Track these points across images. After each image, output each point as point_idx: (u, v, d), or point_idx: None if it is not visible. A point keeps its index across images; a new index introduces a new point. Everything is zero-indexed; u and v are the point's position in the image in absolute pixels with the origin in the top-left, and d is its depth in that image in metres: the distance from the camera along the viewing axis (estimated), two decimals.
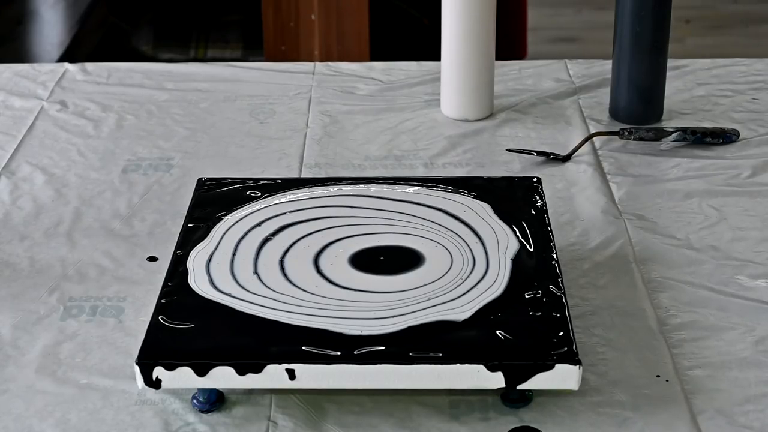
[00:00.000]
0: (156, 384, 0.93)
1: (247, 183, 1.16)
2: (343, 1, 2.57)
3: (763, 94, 1.52)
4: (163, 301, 0.99)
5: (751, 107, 1.48)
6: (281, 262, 1.04)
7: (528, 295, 0.99)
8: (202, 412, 0.96)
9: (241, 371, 0.92)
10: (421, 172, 1.34)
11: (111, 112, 1.50)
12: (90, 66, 1.63)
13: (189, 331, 0.95)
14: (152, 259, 1.18)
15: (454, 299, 0.98)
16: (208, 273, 1.02)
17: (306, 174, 1.34)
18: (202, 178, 1.18)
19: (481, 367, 0.91)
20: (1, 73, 1.61)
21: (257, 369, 0.92)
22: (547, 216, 1.10)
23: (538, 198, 1.13)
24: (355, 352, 0.92)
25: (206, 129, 1.46)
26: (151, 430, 0.94)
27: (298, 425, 0.95)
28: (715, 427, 0.94)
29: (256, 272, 1.02)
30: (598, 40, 3.49)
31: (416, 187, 1.15)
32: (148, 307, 1.06)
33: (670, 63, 1.47)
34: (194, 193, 1.15)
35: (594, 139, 1.40)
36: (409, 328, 0.95)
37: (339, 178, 1.18)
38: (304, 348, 0.93)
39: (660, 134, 1.38)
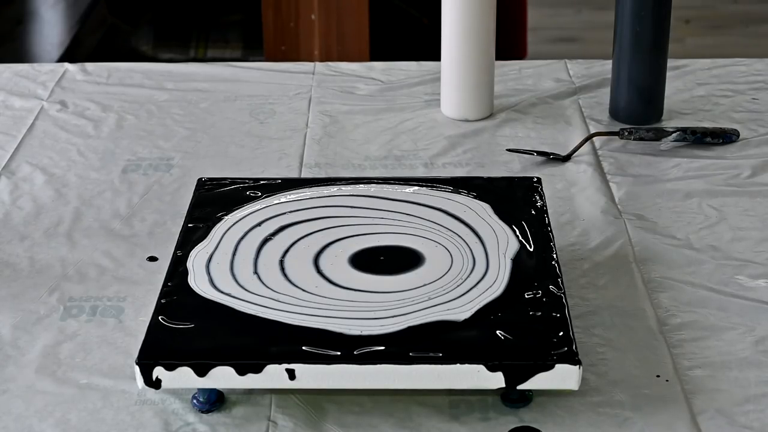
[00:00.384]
0: (156, 384, 0.93)
1: (247, 183, 1.16)
2: (343, 1, 2.57)
3: (763, 94, 1.52)
4: (163, 301, 0.99)
5: (751, 107, 1.48)
6: (281, 262, 1.04)
7: (528, 295, 0.99)
8: (202, 412, 0.96)
9: (241, 371, 0.92)
10: (421, 172, 1.34)
11: (111, 112, 1.50)
12: (90, 66, 1.63)
13: (189, 331, 0.95)
14: (152, 259, 1.18)
15: (454, 299, 0.98)
16: (208, 273, 1.02)
17: (306, 174, 1.34)
18: (202, 178, 1.18)
19: (481, 367, 0.91)
20: (1, 73, 1.61)
21: (257, 369, 0.92)
22: (547, 216, 1.10)
23: (538, 198, 1.13)
24: (355, 352, 0.92)
25: (206, 129, 1.46)
26: (151, 430, 0.94)
27: (298, 425, 0.95)
28: (715, 427, 0.94)
29: (256, 272, 1.02)
30: (598, 40, 3.49)
31: (416, 187, 1.15)
32: (148, 307, 1.06)
33: (670, 63, 1.47)
34: (194, 193, 1.15)
35: (594, 139, 1.40)
36: (409, 328, 0.95)
37: (339, 178, 1.18)
38: (304, 348, 0.93)
39: (660, 134, 1.38)
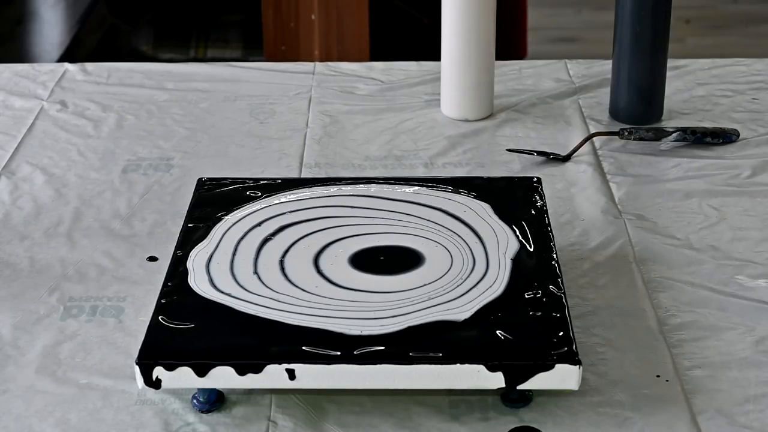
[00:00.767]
0: (156, 384, 0.93)
1: (247, 183, 1.16)
2: (343, 1, 2.57)
3: (763, 94, 1.52)
4: (163, 301, 0.99)
5: (751, 107, 1.48)
6: (281, 262, 1.04)
7: (528, 295, 0.99)
8: (202, 412, 0.96)
9: (241, 371, 0.92)
10: (421, 172, 1.34)
11: (111, 112, 1.50)
12: (90, 66, 1.63)
13: (189, 331, 0.95)
14: (152, 259, 1.18)
15: (454, 299, 0.98)
16: (208, 273, 1.02)
17: (306, 174, 1.34)
18: (202, 178, 1.18)
19: (481, 367, 0.91)
20: (1, 73, 1.61)
21: (257, 369, 0.92)
22: (547, 216, 1.10)
23: (538, 198, 1.13)
24: (355, 352, 0.92)
25: (206, 129, 1.46)
26: (151, 430, 0.94)
27: (298, 425, 0.95)
28: (715, 427, 0.94)
29: (256, 272, 1.02)
30: (598, 40, 3.49)
31: (416, 187, 1.15)
32: (148, 307, 1.06)
33: (670, 63, 1.47)
34: (194, 193, 1.15)
35: (594, 139, 1.40)
36: (409, 328, 0.95)
37: (339, 178, 1.18)
38: (304, 348, 0.93)
39: (660, 134, 1.38)
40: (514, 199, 1.13)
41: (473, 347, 0.93)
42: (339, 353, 0.92)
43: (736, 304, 1.09)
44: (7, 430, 0.95)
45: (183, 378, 0.92)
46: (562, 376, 0.91)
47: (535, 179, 1.16)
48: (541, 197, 1.13)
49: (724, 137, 1.39)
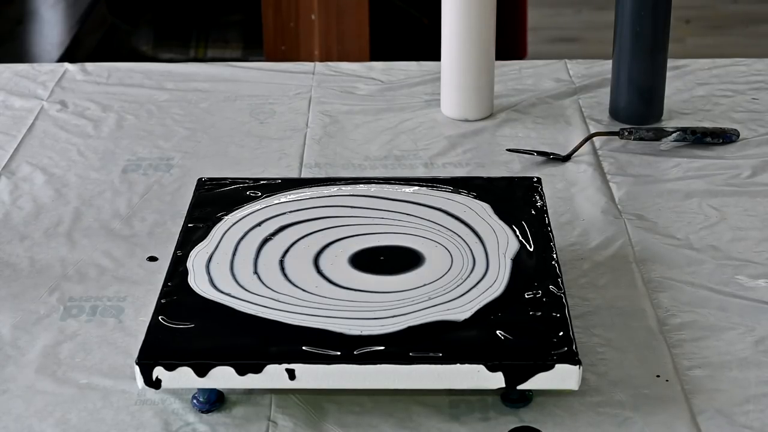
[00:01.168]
0: (156, 384, 0.93)
1: (247, 183, 1.16)
2: (343, 1, 2.57)
3: (763, 94, 1.52)
4: (163, 301, 0.99)
5: (751, 107, 1.48)
6: (281, 262, 1.04)
7: (528, 295, 0.99)
8: (202, 412, 0.96)
9: (241, 371, 0.92)
10: (421, 172, 1.34)
11: (111, 112, 1.50)
12: (90, 66, 1.63)
13: (189, 331, 0.95)
14: (152, 259, 1.18)
15: (454, 299, 0.98)
16: (208, 273, 1.02)
17: (306, 174, 1.34)
18: (202, 178, 1.18)
19: (481, 367, 0.91)
20: (1, 73, 1.61)
21: (257, 369, 0.92)
22: (547, 216, 1.10)
23: (538, 198, 1.13)
24: (355, 352, 0.92)
25: (206, 129, 1.46)
26: (151, 430, 0.94)
27: (298, 425, 0.95)
28: (715, 427, 0.94)
29: (256, 272, 1.02)
30: (598, 40, 3.49)
31: (416, 187, 1.15)
32: (148, 307, 1.06)
33: (670, 63, 1.47)
34: (194, 193, 1.15)
35: (594, 139, 1.40)
36: (409, 328, 0.95)
37: (339, 178, 1.18)
38: (304, 348, 0.93)
39: (660, 134, 1.38)
40: (514, 199, 1.13)
41: (473, 347, 0.93)
42: (339, 353, 0.92)
43: (736, 304, 1.09)
44: (7, 430, 0.95)
45: (183, 378, 0.92)
46: (562, 376, 0.91)
47: (535, 179, 1.16)
48: (541, 197, 1.13)
49: (724, 137, 1.39)
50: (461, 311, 0.97)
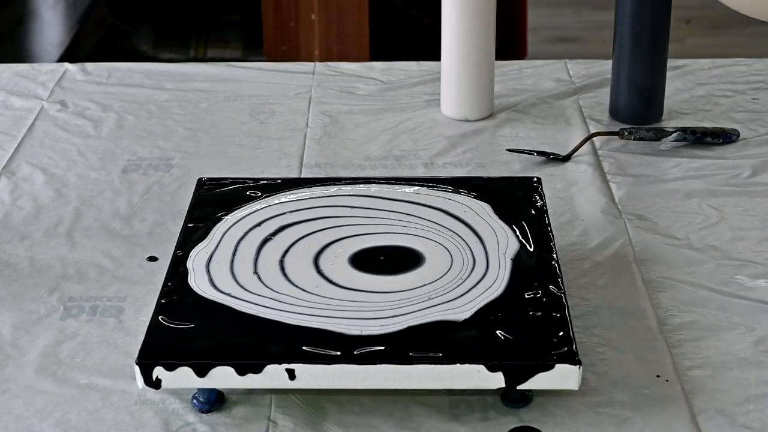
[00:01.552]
0: (156, 384, 0.93)
1: (247, 183, 1.16)
2: (343, 1, 2.57)
3: (763, 94, 1.52)
4: (163, 301, 0.99)
5: (751, 107, 1.48)
6: (281, 262, 1.04)
7: (528, 295, 0.99)
8: (202, 412, 0.96)
9: (241, 371, 0.92)
10: (421, 172, 1.34)
11: (111, 112, 1.50)
12: (90, 66, 1.63)
13: (189, 331, 0.95)
14: (152, 259, 1.18)
15: (454, 299, 0.98)
16: (208, 273, 1.02)
17: (306, 174, 1.34)
18: (202, 178, 1.18)
19: (481, 367, 0.91)
20: (1, 73, 1.61)
21: (257, 369, 0.92)
22: (547, 216, 1.10)
23: (538, 198, 1.13)
24: (355, 352, 0.92)
25: (206, 129, 1.46)
26: (151, 430, 0.94)
27: (298, 425, 0.95)
28: (715, 427, 0.94)
29: (256, 272, 1.02)
30: (598, 40, 3.49)
31: (416, 187, 1.15)
32: (148, 307, 1.06)
33: (670, 63, 1.47)
34: (194, 193, 1.15)
35: (594, 139, 1.40)
36: (409, 328, 0.95)
37: (339, 178, 1.18)
38: (304, 348, 0.93)
39: (660, 134, 1.38)
40: (514, 199, 1.13)
41: (473, 347, 0.93)
42: (339, 353, 0.92)
43: (736, 304, 1.09)
44: (7, 430, 0.95)
45: (183, 378, 0.92)
46: (562, 376, 0.91)
47: (535, 179, 1.16)
48: (541, 197, 1.13)
49: (724, 137, 1.39)
50: (461, 311, 0.97)
